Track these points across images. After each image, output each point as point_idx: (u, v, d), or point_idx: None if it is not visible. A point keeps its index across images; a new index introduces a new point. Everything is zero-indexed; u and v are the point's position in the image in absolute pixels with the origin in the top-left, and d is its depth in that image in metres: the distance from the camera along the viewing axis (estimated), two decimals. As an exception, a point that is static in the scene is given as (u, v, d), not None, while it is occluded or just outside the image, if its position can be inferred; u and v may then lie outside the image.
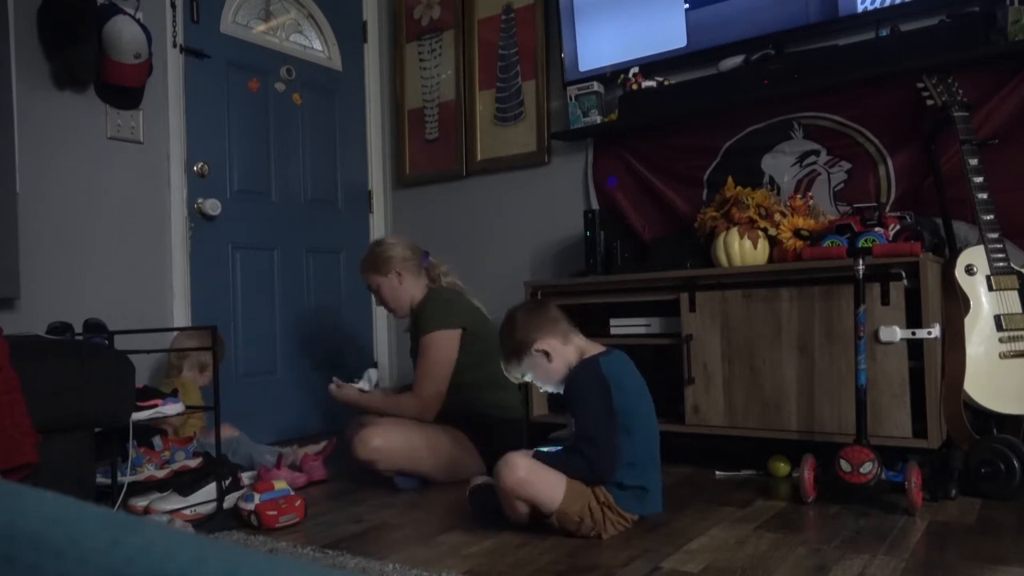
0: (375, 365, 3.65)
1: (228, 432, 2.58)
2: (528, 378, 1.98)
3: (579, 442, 1.81)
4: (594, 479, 1.79)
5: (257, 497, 1.99)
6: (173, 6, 2.94)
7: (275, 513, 1.97)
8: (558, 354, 1.89)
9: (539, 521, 1.82)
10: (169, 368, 2.70)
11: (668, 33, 2.91)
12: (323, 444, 2.65)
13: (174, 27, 2.94)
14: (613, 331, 2.69)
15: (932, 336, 2.09)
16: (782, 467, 2.36)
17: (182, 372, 2.66)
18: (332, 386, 2.57)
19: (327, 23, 3.60)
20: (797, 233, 2.41)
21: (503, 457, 1.82)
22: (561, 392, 1.94)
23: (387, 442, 2.34)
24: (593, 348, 1.93)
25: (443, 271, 2.74)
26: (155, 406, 2.03)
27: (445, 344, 2.47)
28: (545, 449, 1.85)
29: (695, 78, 2.88)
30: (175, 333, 2.69)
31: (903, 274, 2.14)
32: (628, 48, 3.01)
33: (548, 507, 1.77)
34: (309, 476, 2.49)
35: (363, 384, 2.63)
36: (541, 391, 1.95)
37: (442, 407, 2.51)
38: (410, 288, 2.62)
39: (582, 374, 1.85)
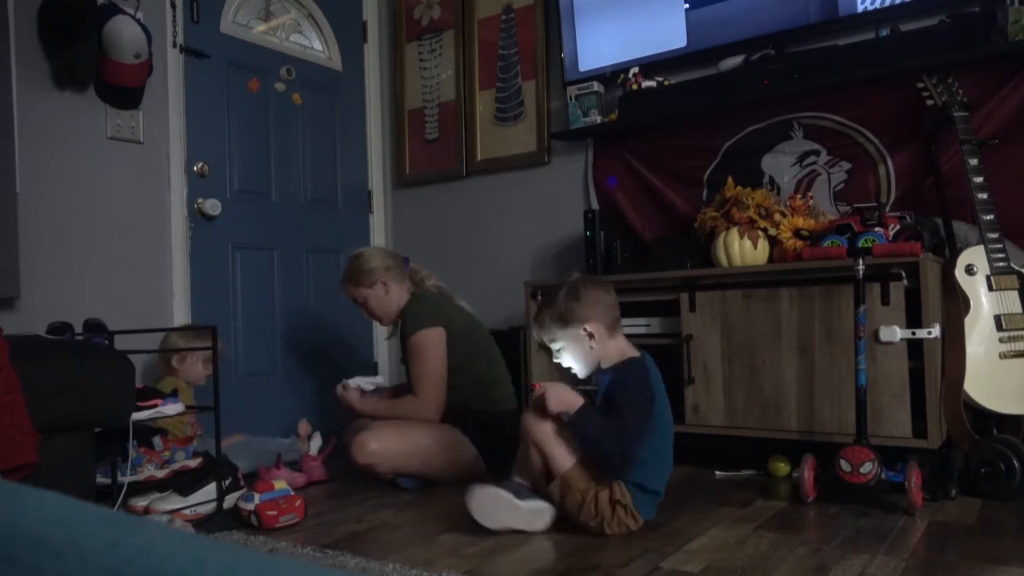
0: (375, 366, 3.66)
1: (235, 439, 2.58)
2: (556, 346, 1.94)
3: (618, 431, 1.79)
4: (611, 470, 1.79)
5: (257, 497, 1.99)
6: (173, 6, 2.93)
7: (275, 513, 1.97)
8: (600, 343, 1.88)
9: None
10: (163, 370, 2.68)
11: (668, 33, 2.91)
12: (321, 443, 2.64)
13: (174, 27, 2.94)
14: (613, 331, 2.69)
15: (932, 336, 2.09)
16: (782, 467, 2.36)
17: (180, 370, 2.64)
18: (339, 387, 2.60)
19: (327, 23, 3.60)
20: (797, 233, 2.41)
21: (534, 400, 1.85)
22: (583, 377, 1.94)
23: (384, 446, 2.34)
24: (631, 350, 1.93)
25: (425, 275, 2.75)
26: (155, 406, 2.02)
27: (432, 342, 2.48)
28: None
29: (695, 78, 2.88)
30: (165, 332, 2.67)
31: (903, 274, 2.14)
32: (628, 48, 3.01)
33: (557, 468, 1.81)
34: (309, 476, 2.49)
35: (365, 383, 2.62)
36: (563, 365, 1.90)
37: None
38: (396, 296, 2.61)
39: (637, 376, 1.85)
